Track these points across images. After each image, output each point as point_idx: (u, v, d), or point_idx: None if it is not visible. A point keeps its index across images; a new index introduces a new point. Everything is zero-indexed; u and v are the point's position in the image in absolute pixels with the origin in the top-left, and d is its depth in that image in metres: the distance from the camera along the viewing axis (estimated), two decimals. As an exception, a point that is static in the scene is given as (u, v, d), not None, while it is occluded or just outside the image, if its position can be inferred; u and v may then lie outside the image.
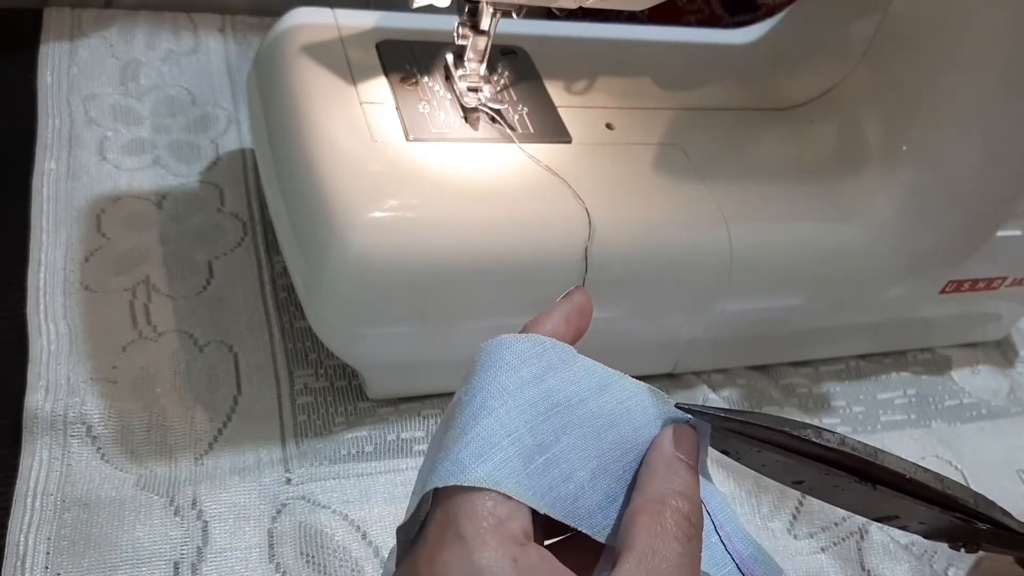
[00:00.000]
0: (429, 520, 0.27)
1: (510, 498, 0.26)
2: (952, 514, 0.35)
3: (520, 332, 0.31)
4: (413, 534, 0.28)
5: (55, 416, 0.44)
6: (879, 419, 0.58)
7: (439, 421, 0.31)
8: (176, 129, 0.61)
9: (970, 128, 0.51)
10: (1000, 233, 0.54)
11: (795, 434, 0.31)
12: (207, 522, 0.43)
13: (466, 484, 0.26)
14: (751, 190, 0.51)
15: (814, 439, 0.31)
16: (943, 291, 0.57)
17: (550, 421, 0.28)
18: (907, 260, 0.53)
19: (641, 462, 0.30)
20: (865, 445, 0.33)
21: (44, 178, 0.55)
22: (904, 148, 0.52)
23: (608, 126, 0.51)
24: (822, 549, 0.49)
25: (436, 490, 0.27)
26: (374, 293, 0.43)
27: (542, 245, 0.45)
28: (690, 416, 0.32)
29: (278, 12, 0.53)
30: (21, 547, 0.40)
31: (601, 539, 0.29)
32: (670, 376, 0.55)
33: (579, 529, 0.28)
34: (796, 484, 0.34)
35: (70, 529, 0.41)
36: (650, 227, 0.47)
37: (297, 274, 0.47)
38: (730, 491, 0.50)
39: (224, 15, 0.70)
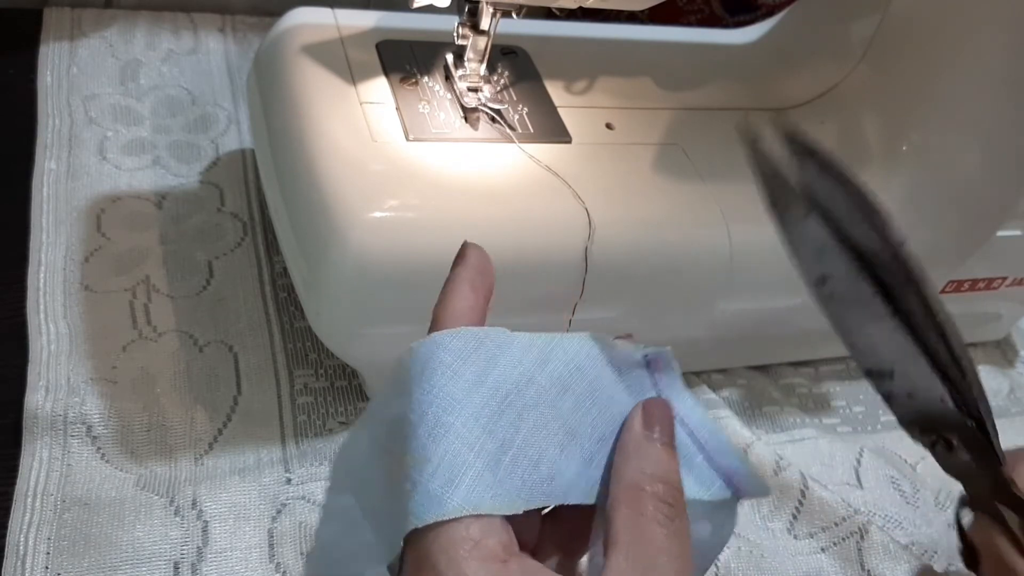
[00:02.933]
0: (405, 560, 0.26)
1: (482, 515, 0.25)
2: (950, 389, 0.32)
3: (435, 318, 0.30)
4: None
5: (55, 416, 0.44)
6: (879, 419, 0.58)
7: (375, 431, 0.29)
8: (176, 129, 0.61)
9: (970, 128, 0.51)
10: (1000, 233, 0.54)
11: (866, 193, 0.28)
12: (207, 522, 0.43)
13: (446, 517, 0.25)
14: (751, 190, 0.51)
15: (881, 212, 0.29)
16: (943, 291, 0.57)
17: (505, 415, 0.28)
18: (907, 260, 0.53)
19: (614, 420, 0.30)
20: (907, 259, 0.30)
21: (44, 178, 0.55)
22: (904, 148, 0.52)
23: (608, 126, 0.51)
24: (822, 549, 0.49)
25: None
26: (374, 293, 0.43)
27: (542, 245, 0.45)
28: (641, 356, 0.31)
29: (278, 12, 0.53)
30: (21, 547, 0.40)
31: (590, 501, 0.28)
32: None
33: (565, 503, 0.28)
34: (819, 284, 0.31)
35: (70, 529, 0.41)
36: (650, 227, 0.47)
37: (297, 274, 0.47)
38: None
39: (224, 15, 0.70)
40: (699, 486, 0.30)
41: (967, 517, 0.37)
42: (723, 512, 0.31)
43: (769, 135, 0.30)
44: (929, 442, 0.35)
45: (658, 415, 0.30)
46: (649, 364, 0.32)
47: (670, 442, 0.30)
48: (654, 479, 0.28)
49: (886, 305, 0.30)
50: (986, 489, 0.35)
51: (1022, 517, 0.35)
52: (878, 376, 0.33)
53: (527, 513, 0.27)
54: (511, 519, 0.26)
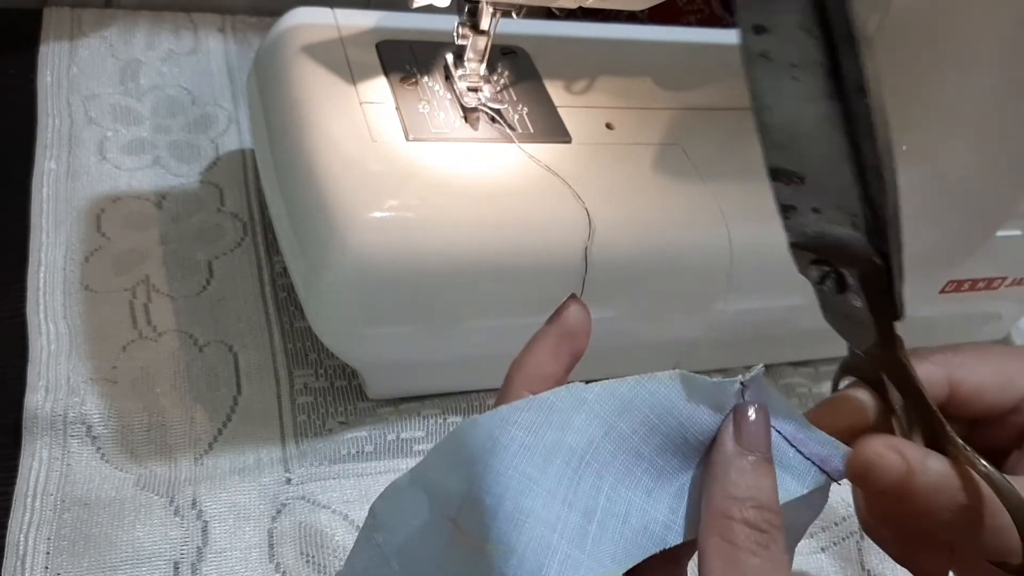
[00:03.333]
0: None
1: None
2: (865, 211, 0.27)
3: (508, 378, 0.29)
4: None
5: (55, 416, 0.45)
6: (879, 419, 0.58)
7: (439, 502, 0.28)
8: (176, 129, 0.61)
9: (970, 128, 0.51)
10: (1000, 233, 0.54)
11: None
12: (207, 522, 0.43)
13: None
14: (751, 190, 0.51)
15: None
16: (943, 291, 0.57)
17: (584, 479, 0.27)
18: (907, 260, 0.53)
19: (703, 446, 0.28)
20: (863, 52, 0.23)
21: (44, 178, 0.55)
22: (903, 148, 0.52)
23: (608, 126, 0.51)
24: (822, 549, 0.49)
25: None
26: (374, 293, 0.43)
27: (542, 245, 0.45)
28: (738, 386, 0.28)
29: (278, 12, 0.53)
30: (21, 547, 0.40)
31: (689, 538, 0.27)
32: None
33: (662, 550, 0.27)
34: (756, 31, 0.25)
35: (70, 529, 0.41)
36: (650, 227, 0.47)
37: (297, 274, 0.47)
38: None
39: (224, 15, 0.70)
40: (796, 483, 0.29)
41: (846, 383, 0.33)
42: (818, 492, 0.30)
43: None
44: (818, 275, 0.30)
45: (751, 428, 0.28)
46: (744, 391, 0.29)
47: (764, 456, 0.27)
48: (744, 503, 0.26)
49: (828, 81, 0.24)
50: (871, 350, 0.30)
51: (905, 397, 0.30)
52: (785, 177, 0.28)
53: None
54: None
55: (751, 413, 0.28)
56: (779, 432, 0.29)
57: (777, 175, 0.28)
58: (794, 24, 0.23)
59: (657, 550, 0.27)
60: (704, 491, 0.27)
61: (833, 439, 0.30)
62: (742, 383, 0.29)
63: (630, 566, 0.26)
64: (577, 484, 0.26)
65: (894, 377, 0.30)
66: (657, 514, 0.27)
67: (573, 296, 0.30)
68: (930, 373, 0.32)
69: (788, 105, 0.26)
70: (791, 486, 0.29)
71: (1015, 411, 0.33)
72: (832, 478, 0.30)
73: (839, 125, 0.24)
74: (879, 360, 0.30)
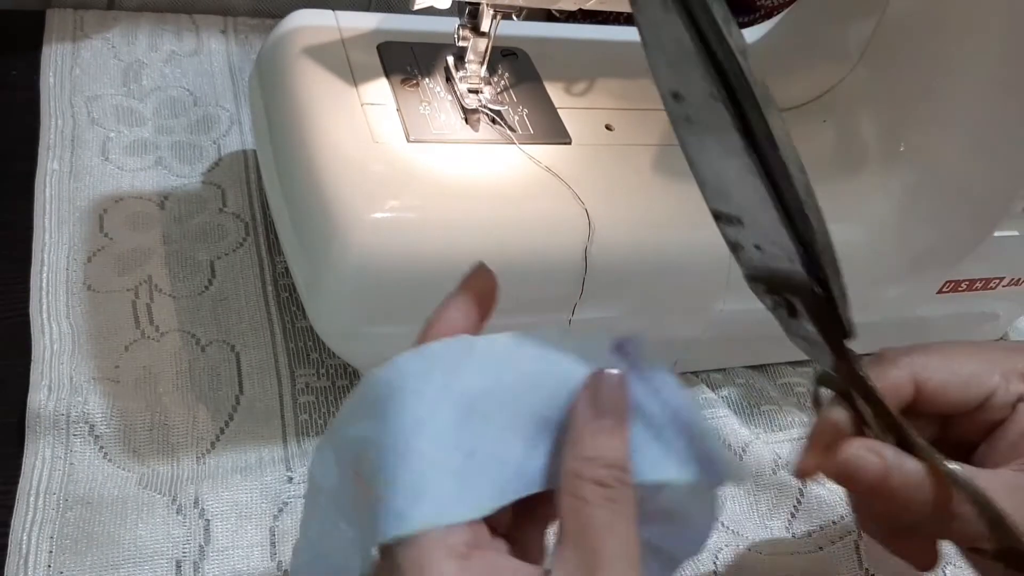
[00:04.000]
0: (377, 566, 0.28)
1: None
2: (801, 249, 0.29)
3: (420, 336, 0.31)
4: None
5: (58, 415, 0.45)
6: (877, 419, 0.58)
7: (341, 454, 0.30)
8: (178, 130, 0.61)
9: (967, 128, 0.51)
10: (997, 233, 0.54)
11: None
12: (209, 520, 0.43)
13: (410, 532, 0.27)
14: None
15: (722, 28, 0.25)
16: (940, 291, 0.57)
17: (472, 422, 0.29)
18: (905, 260, 0.54)
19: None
20: (766, 89, 0.26)
21: (47, 178, 0.56)
22: (902, 148, 0.52)
23: (608, 127, 0.52)
24: (820, 548, 0.49)
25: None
26: (375, 293, 0.43)
27: (542, 245, 0.45)
28: (611, 345, 0.30)
29: (280, 14, 0.53)
30: (24, 545, 0.40)
31: (552, 487, 0.29)
32: (669, 376, 0.55)
33: (529, 494, 0.29)
34: (675, 98, 0.28)
35: (73, 528, 0.41)
36: (650, 227, 0.48)
37: (299, 274, 0.47)
38: (727, 492, 0.50)
39: (226, 17, 0.71)
40: (679, 469, 0.30)
41: (825, 395, 0.34)
42: (705, 499, 0.32)
43: None
44: (772, 303, 0.32)
45: (605, 392, 0.30)
46: (620, 348, 0.31)
47: (616, 419, 0.29)
48: (593, 462, 0.28)
49: (742, 139, 0.27)
50: (833, 366, 0.32)
51: (871, 405, 0.32)
52: (727, 221, 0.30)
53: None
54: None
55: (607, 379, 0.30)
56: (672, 417, 0.31)
57: (718, 218, 0.31)
58: (704, 92, 0.27)
59: (528, 493, 0.29)
60: (562, 450, 0.29)
61: (722, 446, 0.32)
62: (617, 343, 0.31)
63: (502, 505, 0.28)
64: (465, 426, 0.28)
65: (858, 388, 0.32)
66: (535, 461, 0.29)
67: (482, 264, 0.32)
68: (894, 377, 0.34)
69: (714, 160, 0.29)
70: (673, 471, 0.30)
71: (981, 408, 0.35)
72: (716, 480, 0.31)
73: (760, 174, 0.27)
74: (843, 374, 0.32)
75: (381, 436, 0.28)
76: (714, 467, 0.31)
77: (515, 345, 0.31)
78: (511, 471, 0.29)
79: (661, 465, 0.30)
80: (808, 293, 0.30)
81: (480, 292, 0.32)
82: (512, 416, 0.29)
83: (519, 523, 0.31)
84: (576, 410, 0.30)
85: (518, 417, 0.29)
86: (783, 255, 0.29)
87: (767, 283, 0.31)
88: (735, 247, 0.31)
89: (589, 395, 0.30)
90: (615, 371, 0.30)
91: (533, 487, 0.29)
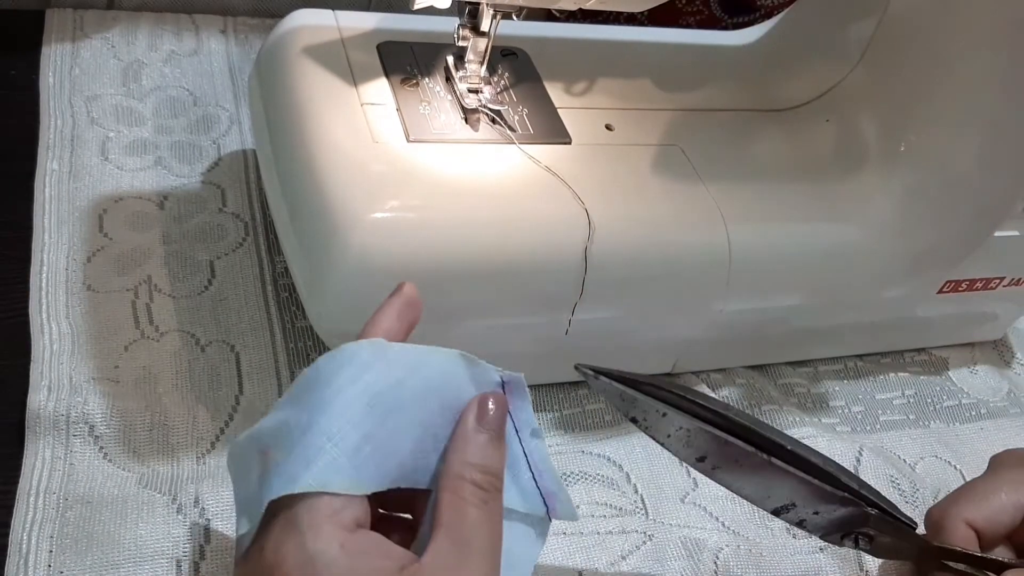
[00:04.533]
0: (272, 522, 0.31)
1: (340, 494, 0.31)
2: (842, 495, 0.37)
3: (360, 336, 0.35)
4: (249, 541, 0.33)
5: (58, 416, 0.45)
6: (878, 419, 0.58)
7: (259, 438, 0.34)
8: (178, 130, 0.61)
9: (968, 128, 0.51)
10: (998, 233, 0.54)
11: (683, 394, 0.35)
12: (209, 520, 0.43)
13: (296, 491, 0.31)
14: (750, 190, 0.51)
15: (701, 401, 0.34)
16: (941, 291, 0.57)
17: (374, 412, 0.33)
18: (905, 260, 0.54)
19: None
20: (749, 416, 0.36)
21: (46, 178, 0.56)
22: (902, 148, 0.53)
23: (608, 127, 0.52)
24: (820, 549, 0.49)
25: (279, 500, 0.31)
26: (375, 293, 0.43)
27: (542, 245, 0.45)
28: (498, 377, 0.36)
29: (280, 13, 0.53)
30: (24, 545, 0.40)
31: (431, 487, 0.34)
32: (669, 376, 0.55)
33: (413, 487, 0.34)
34: (700, 461, 0.37)
35: (73, 527, 0.41)
36: (650, 227, 0.48)
37: (298, 274, 0.47)
38: (727, 494, 0.50)
39: (226, 16, 0.70)
40: (521, 500, 0.36)
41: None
42: (539, 525, 0.37)
43: (593, 377, 0.38)
44: (853, 542, 0.39)
45: (489, 409, 0.35)
46: (504, 385, 0.36)
47: (497, 434, 0.34)
48: (474, 467, 0.33)
49: (759, 453, 0.35)
50: (915, 555, 0.41)
51: (964, 562, 0.40)
52: (785, 511, 0.38)
53: (399, 494, 0.33)
54: (387, 496, 0.33)
55: (491, 400, 0.35)
56: (526, 455, 0.36)
57: (777, 513, 0.38)
58: (718, 448, 0.35)
59: (408, 486, 0.34)
60: (445, 457, 0.34)
61: (562, 483, 0.37)
62: (502, 378, 0.36)
63: (382, 489, 0.32)
64: (366, 414, 0.33)
65: (948, 555, 0.41)
66: (419, 461, 0.34)
67: (403, 283, 0.38)
68: (961, 532, 0.42)
69: (746, 482, 0.37)
70: (516, 500, 0.36)
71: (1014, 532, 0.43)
72: (550, 515, 0.37)
73: (782, 470, 0.36)
74: (930, 552, 0.41)
75: (292, 417, 0.33)
76: (550, 504, 0.37)
77: (424, 356, 0.35)
78: (397, 462, 0.33)
79: (507, 491, 0.35)
80: (869, 518, 0.38)
81: (410, 301, 0.37)
82: (408, 417, 0.34)
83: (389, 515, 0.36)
84: (464, 420, 0.34)
85: (412, 419, 0.34)
86: (834, 507, 0.37)
87: (839, 532, 0.38)
88: (801, 524, 0.38)
89: (476, 409, 0.34)
90: (500, 392, 0.36)
91: (412, 482, 0.34)
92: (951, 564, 0.41)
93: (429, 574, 0.31)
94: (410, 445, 0.34)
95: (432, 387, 0.35)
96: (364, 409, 0.33)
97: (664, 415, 0.36)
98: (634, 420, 0.37)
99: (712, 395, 0.55)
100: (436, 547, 0.32)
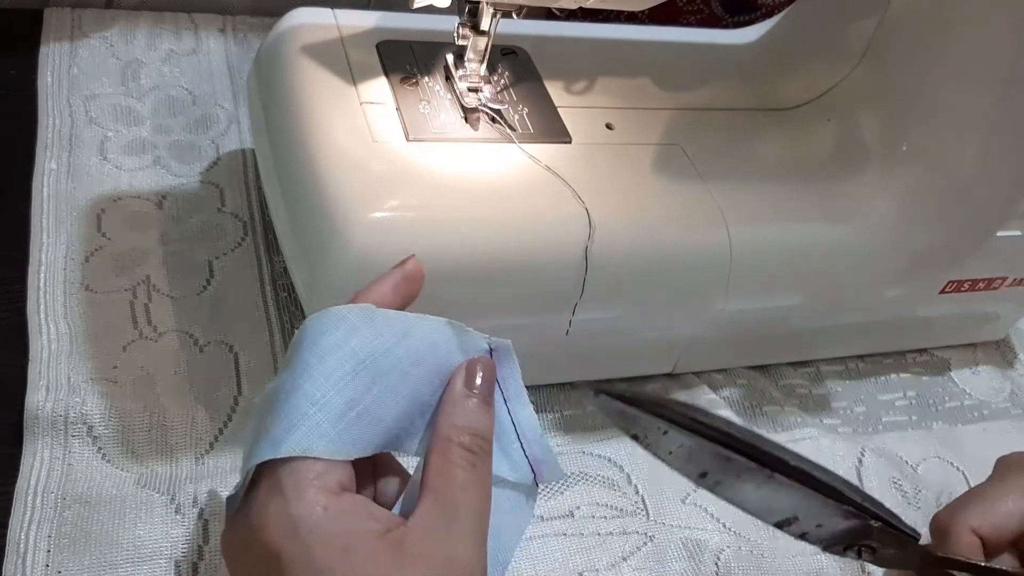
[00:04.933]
0: (258, 485, 0.32)
1: (323, 458, 0.31)
2: (845, 508, 0.37)
3: (351, 301, 0.35)
4: (238, 503, 0.33)
5: (56, 416, 0.45)
6: (880, 420, 0.58)
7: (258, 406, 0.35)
8: (177, 129, 0.61)
9: (969, 128, 0.51)
10: (1000, 233, 0.54)
11: (684, 411, 0.35)
12: (208, 520, 0.43)
13: (279, 456, 0.31)
14: (751, 190, 0.51)
15: (701, 418, 0.35)
16: (943, 291, 0.57)
17: (359, 377, 0.33)
18: (907, 260, 0.53)
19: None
20: (751, 431, 0.35)
21: (45, 178, 0.55)
22: (903, 148, 0.52)
23: (608, 126, 0.52)
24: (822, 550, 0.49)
25: (266, 463, 0.31)
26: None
27: (542, 245, 0.45)
28: (487, 344, 0.36)
29: (278, 12, 0.53)
30: (22, 545, 0.40)
31: (419, 454, 0.34)
32: (670, 376, 0.55)
33: (398, 452, 0.35)
34: (702, 477, 0.37)
35: (71, 527, 0.41)
36: (650, 227, 0.47)
37: (297, 274, 0.47)
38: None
39: (225, 16, 0.70)
40: (510, 468, 0.36)
41: None
42: (529, 491, 0.37)
43: (593, 395, 0.36)
44: (856, 554, 0.39)
45: (478, 373, 0.35)
46: (492, 352, 0.36)
47: (485, 398, 0.35)
48: (462, 430, 0.34)
49: (761, 469, 0.36)
50: (918, 566, 0.40)
51: (968, 571, 0.40)
52: (787, 524, 0.38)
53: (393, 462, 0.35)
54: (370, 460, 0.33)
55: (479, 365, 0.35)
56: (514, 423, 0.37)
57: (780, 526, 0.38)
58: (719, 463, 0.35)
59: (392, 451, 0.34)
60: (434, 421, 0.34)
61: (550, 448, 0.37)
62: (490, 346, 0.36)
63: (366, 455, 0.33)
64: (351, 379, 0.33)
65: (951, 565, 0.40)
66: (406, 425, 0.34)
67: (412, 256, 0.38)
68: (966, 540, 0.41)
69: (753, 493, 0.36)
70: (504, 468, 0.36)
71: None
72: (537, 480, 0.37)
73: (784, 482, 0.36)
74: (932, 562, 0.40)
75: (280, 380, 0.33)
76: (540, 470, 0.37)
77: (411, 323, 0.35)
78: (383, 428, 0.33)
79: (497, 461, 0.35)
80: (872, 530, 0.37)
81: (410, 274, 0.37)
82: (395, 384, 0.34)
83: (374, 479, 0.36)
84: (452, 384, 0.35)
85: (400, 387, 0.34)
86: (838, 519, 0.37)
87: (842, 544, 0.38)
88: (804, 536, 0.38)
89: (465, 374, 0.35)
90: (485, 359, 0.36)
91: (398, 448, 0.34)
92: (955, 574, 0.41)
93: (416, 536, 0.31)
94: (396, 412, 0.34)
95: (419, 354, 0.34)
96: (349, 374, 0.33)
97: (665, 433, 0.36)
98: (635, 437, 0.37)
99: (713, 396, 0.55)
100: (423, 509, 0.32)
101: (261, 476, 0.32)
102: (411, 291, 0.37)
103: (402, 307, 0.37)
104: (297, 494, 0.31)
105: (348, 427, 0.32)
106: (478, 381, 0.35)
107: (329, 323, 0.34)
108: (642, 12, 0.76)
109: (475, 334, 0.36)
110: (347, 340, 0.33)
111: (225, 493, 0.44)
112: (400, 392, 0.34)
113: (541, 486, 0.38)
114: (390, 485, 0.36)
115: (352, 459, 0.32)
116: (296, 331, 0.34)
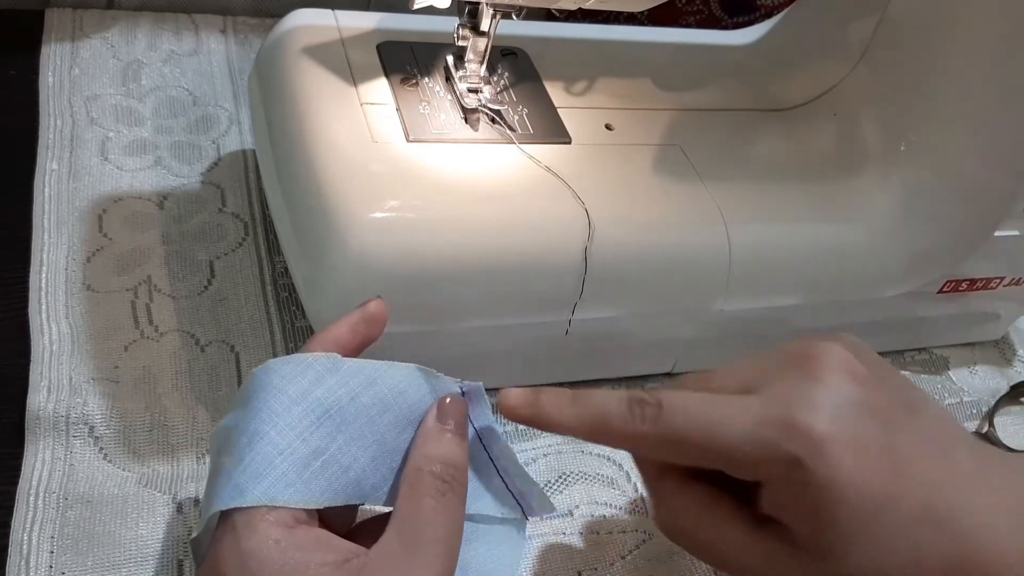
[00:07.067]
0: (219, 526, 0.32)
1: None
2: None
3: (308, 344, 0.36)
4: (204, 548, 0.33)
5: (57, 416, 0.45)
6: (878, 418, 0.58)
7: (214, 442, 0.35)
8: (177, 130, 0.61)
9: (968, 128, 0.51)
10: (998, 233, 0.54)
11: None
12: (209, 521, 0.43)
13: (245, 505, 0.31)
14: (750, 190, 0.51)
15: None
16: (941, 291, 0.57)
17: (324, 426, 0.33)
18: (906, 260, 0.54)
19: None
20: None
21: (46, 178, 0.56)
22: (902, 148, 0.52)
23: (608, 127, 0.52)
24: (821, 548, 0.49)
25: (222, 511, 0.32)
26: (374, 293, 0.43)
27: (542, 245, 0.45)
28: (458, 388, 0.36)
29: (279, 13, 0.53)
30: (24, 545, 0.40)
31: (389, 505, 0.34)
32: (669, 376, 0.55)
33: (365, 503, 0.34)
34: None
35: (73, 527, 0.41)
36: (650, 227, 0.48)
37: (298, 274, 0.47)
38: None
39: (225, 16, 0.71)
40: (497, 505, 0.36)
41: None
42: (519, 525, 0.38)
43: None
44: None
45: (450, 409, 0.35)
46: (464, 395, 0.37)
47: (459, 431, 0.35)
48: (434, 460, 0.33)
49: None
50: None
51: None
52: None
53: (345, 509, 0.34)
54: (330, 509, 0.33)
55: (449, 399, 0.36)
56: (493, 461, 0.37)
57: None
58: None
59: (359, 502, 0.34)
60: (408, 455, 0.34)
61: (532, 480, 0.38)
62: (461, 389, 0.37)
63: (332, 505, 0.33)
64: (316, 428, 0.33)
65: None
66: (373, 476, 0.34)
67: (378, 297, 0.38)
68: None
69: None
70: (491, 506, 0.36)
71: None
72: (526, 513, 0.37)
73: None
74: None
75: (242, 422, 0.33)
76: (526, 502, 0.37)
77: (378, 371, 0.35)
78: (350, 478, 0.33)
79: (479, 499, 0.36)
80: None
81: (371, 316, 0.37)
82: (361, 432, 0.34)
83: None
84: (424, 421, 0.35)
85: (366, 434, 0.34)
86: None
87: None
88: None
89: (437, 410, 0.35)
90: (456, 394, 0.36)
91: (367, 498, 0.34)
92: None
93: (375, 564, 0.31)
94: (364, 459, 0.34)
95: (387, 401, 0.35)
96: (315, 424, 0.33)
97: None
98: None
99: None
100: (386, 538, 0.32)
101: (220, 524, 0.32)
102: (371, 333, 0.37)
103: (361, 348, 0.37)
104: (249, 529, 0.31)
105: (314, 476, 0.32)
106: (449, 414, 0.35)
107: (295, 370, 0.34)
108: (642, 13, 0.76)
109: (445, 379, 0.36)
110: (312, 389, 0.34)
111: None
112: (367, 439, 0.34)
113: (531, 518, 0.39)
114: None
115: (320, 508, 0.32)
116: (256, 369, 0.34)
